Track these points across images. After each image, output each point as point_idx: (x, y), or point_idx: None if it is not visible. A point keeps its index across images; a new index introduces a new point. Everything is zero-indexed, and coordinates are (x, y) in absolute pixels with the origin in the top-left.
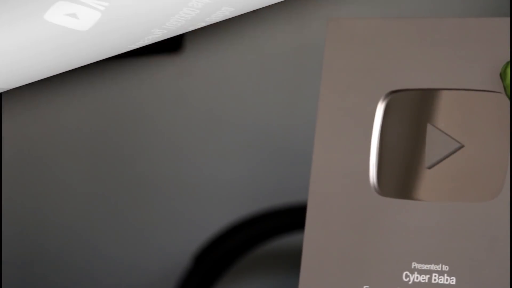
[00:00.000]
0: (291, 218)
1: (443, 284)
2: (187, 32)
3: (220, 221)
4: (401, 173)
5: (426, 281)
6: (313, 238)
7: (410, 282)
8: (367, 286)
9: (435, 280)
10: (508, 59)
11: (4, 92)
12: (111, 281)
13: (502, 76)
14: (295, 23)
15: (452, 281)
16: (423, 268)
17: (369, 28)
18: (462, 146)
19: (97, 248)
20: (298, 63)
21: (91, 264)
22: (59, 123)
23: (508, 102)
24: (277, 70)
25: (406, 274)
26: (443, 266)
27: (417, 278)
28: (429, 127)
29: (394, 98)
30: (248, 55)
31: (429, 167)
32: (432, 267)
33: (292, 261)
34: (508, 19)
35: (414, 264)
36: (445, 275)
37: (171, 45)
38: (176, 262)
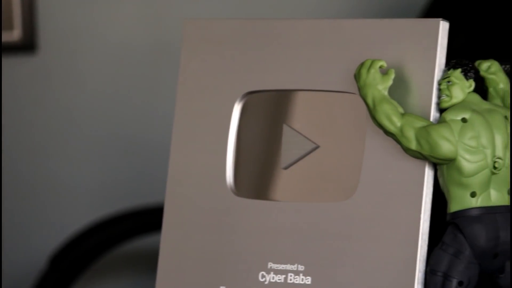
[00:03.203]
0: (148, 219)
1: (299, 284)
2: (43, 31)
3: (77, 222)
4: (258, 174)
5: (282, 281)
6: (170, 239)
7: (266, 282)
8: (224, 287)
9: (291, 280)
10: (362, 60)
11: None
12: None
13: (356, 77)
14: (152, 22)
15: (308, 281)
16: (279, 268)
17: (226, 29)
18: (318, 147)
19: None
20: (156, 63)
21: None
22: None
23: (363, 102)
24: (134, 70)
25: (262, 274)
26: (299, 266)
27: (273, 278)
28: (285, 128)
29: (251, 99)
30: (105, 55)
31: (285, 168)
32: (288, 267)
33: (149, 262)
34: (362, 20)
35: (270, 264)
36: (301, 274)
37: (26, 45)
38: (31, 263)
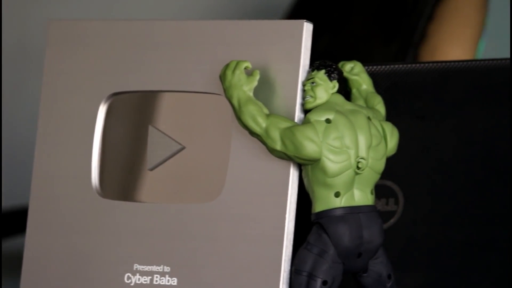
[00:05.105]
0: (13, 221)
1: (165, 285)
2: None
3: None
4: (123, 175)
5: (148, 282)
6: (34, 241)
7: (132, 284)
8: None
9: (156, 281)
10: (227, 61)
11: None
12: None
13: (221, 78)
14: (15, 23)
15: (174, 282)
16: (144, 270)
17: (90, 29)
18: (184, 148)
19: None
20: (19, 65)
21: None
22: None
23: (228, 103)
24: None
25: (128, 276)
26: (165, 267)
27: (139, 279)
28: (151, 129)
29: (116, 100)
30: None
31: (151, 169)
32: (154, 268)
33: (13, 264)
34: (226, 21)
35: (136, 266)
36: (167, 276)
37: None
38: None
